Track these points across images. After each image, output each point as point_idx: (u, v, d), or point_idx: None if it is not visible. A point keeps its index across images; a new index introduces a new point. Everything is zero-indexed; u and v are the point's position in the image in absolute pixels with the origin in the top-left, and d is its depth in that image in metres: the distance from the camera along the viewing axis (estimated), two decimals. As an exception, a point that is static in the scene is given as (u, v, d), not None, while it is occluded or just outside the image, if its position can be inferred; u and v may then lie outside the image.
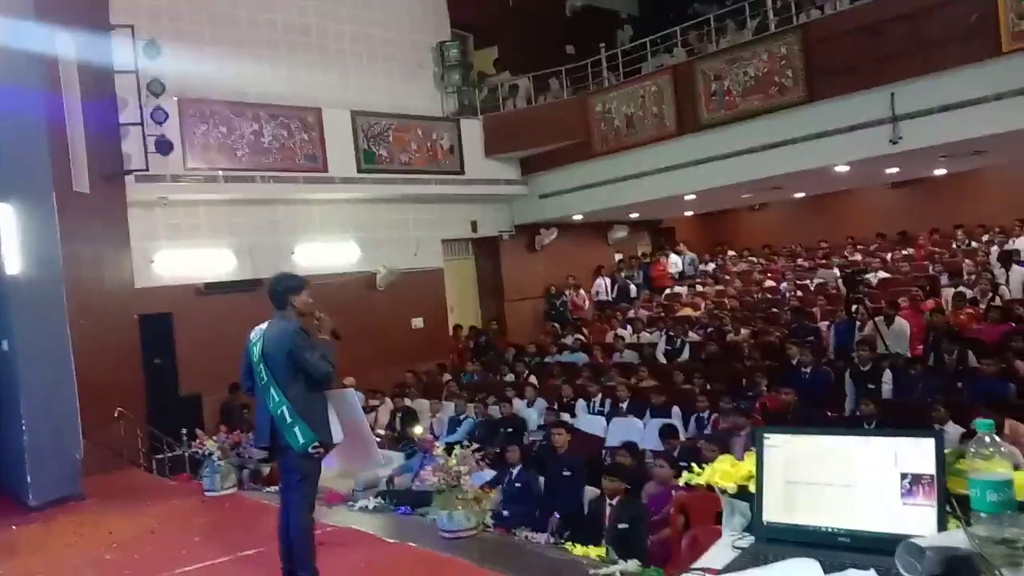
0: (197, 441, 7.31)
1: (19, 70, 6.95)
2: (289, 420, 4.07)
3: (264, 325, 4.30)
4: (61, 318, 7.17)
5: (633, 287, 15.60)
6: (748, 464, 1.89)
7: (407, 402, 10.46)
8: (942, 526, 1.54)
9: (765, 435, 1.81)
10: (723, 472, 1.93)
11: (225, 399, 10.23)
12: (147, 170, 9.80)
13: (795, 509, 1.72)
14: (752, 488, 1.82)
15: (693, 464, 2.12)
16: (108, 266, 9.34)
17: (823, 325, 10.37)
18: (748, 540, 1.77)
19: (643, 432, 8.04)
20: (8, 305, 6.90)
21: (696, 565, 1.71)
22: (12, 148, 6.89)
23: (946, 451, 1.63)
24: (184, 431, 8.64)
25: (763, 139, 11.16)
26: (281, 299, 4.28)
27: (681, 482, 2.12)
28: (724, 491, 1.91)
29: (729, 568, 1.63)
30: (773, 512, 1.74)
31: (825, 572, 1.50)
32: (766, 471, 1.77)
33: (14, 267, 6.84)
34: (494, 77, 14.66)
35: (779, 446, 1.78)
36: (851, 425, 6.95)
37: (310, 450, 4.10)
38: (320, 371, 4.16)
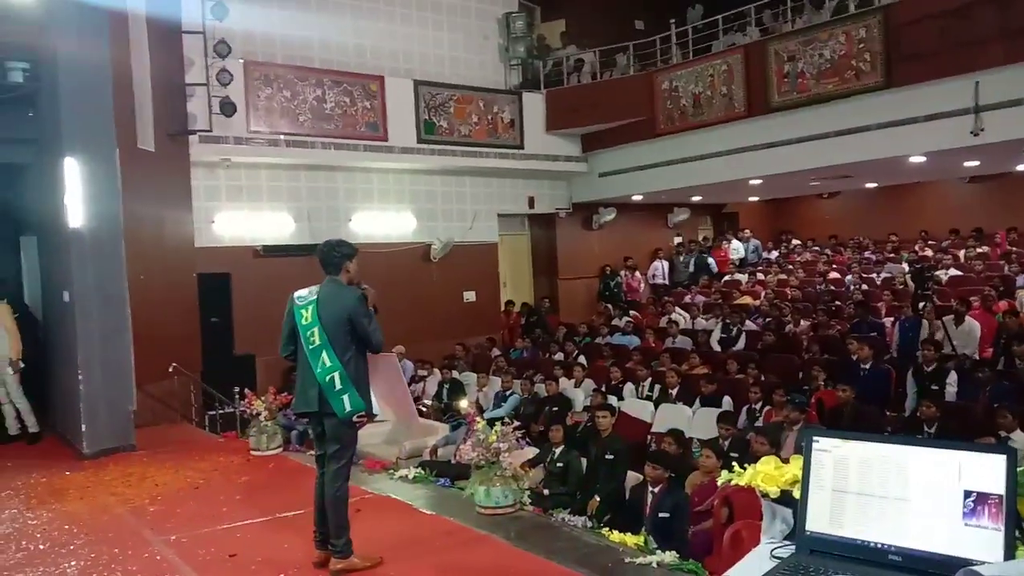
0: (246, 401, 7.40)
1: (88, 24, 7.05)
2: (339, 387, 4.01)
3: (310, 290, 4.22)
4: (121, 272, 7.30)
5: (691, 272, 15.30)
6: (794, 467, 1.75)
7: (455, 374, 10.47)
8: (1009, 553, 1.39)
9: (815, 437, 1.67)
10: (766, 474, 1.80)
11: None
12: (211, 131, 9.94)
13: (842, 520, 1.58)
14: (797, 494, 1.69)
15: (735, 464, 1.99)
16: (169, 224, 9.51)
17: (887, 321, 9.98)
18: (788, 550, 1.64)
19: (691, 420, 7.87)
20: (70, 257, 7.06)
21: (731, 574, 1.59)
22: (79, 102, 7.01)
23: (1019, 469, 1.47)
24: (236, 390, 8.79)
25: (836, 125, 10.73)
26: (337, 265, 4.22)
27: (720, 482, 1.98)
28: (766, 495, 1.78)
29: (766, 579, 1.51)
30: (818, 522, 1.61)
31: (871, 593, 1.36)
32: (813, 477, 1.64)
33: (77, 220, 6.98)
34: (560, 51, 14.41)
35: (829, 451, 1.64)
36: (910, 426, 6.67)
37: (354, 418, 4.07)
38: (378, 339, 4.14)
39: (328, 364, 4.02)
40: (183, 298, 9.47)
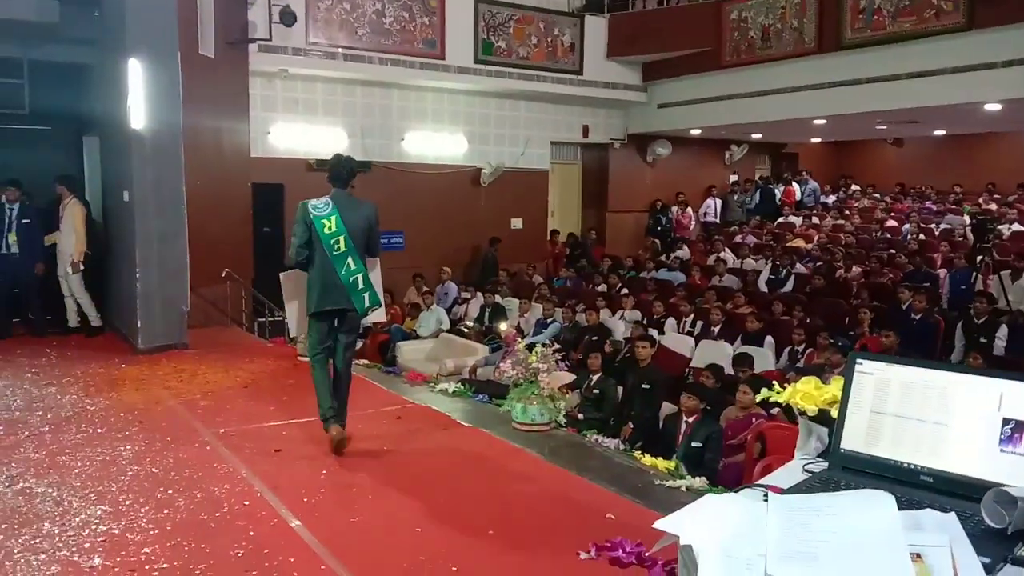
0: (286, 316, 7.58)
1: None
2: (362, 286, 4.55)
3: (324, 201, 4.58)
4: (179, 176, 7.45)
5: (754, 206, 15.04)
6: (834, 388, 1.77)
7: (497, 299, 10.56)
8: (1043, 480, 1.40)
9: (858, 360, 1.68)
10: (805, 393, 1.82)
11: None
12: (270, 40, 9.93)
13: (877, 441, 1.60)
14: (834, 413, 1.70)
15: (774, 383, 2.01)
16: (227, 132, 9.60)
17: (941, 273, 9.75)
18: (821, 466, 1.67)
19: (731, 357, 7.85)
20: (131, 158, 7.22)
21: (762, 481, 1.63)
22: (144, 4, 7.06)
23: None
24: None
25: (910, 66, 10.27)
26: (346, 178, 4.70)
27: (759, 399, 2.01)
28: (803, 412, 1.80)
29: (796, 489, 1.54)
30: (853, 441, 1.63)
31: (901, 509, 1.38)
32: (852, 397, 1.65)
33: (139, 122, 7.10)
34: (626, -27, 13.94)
35: (871, 373, 1.64)
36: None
37: (370, 311, 4.64)
38: (379, 246, 4.80)
39: (353, 267, 4.53)
40: (238, 206, 9.64)
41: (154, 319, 7.35)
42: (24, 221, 7.91)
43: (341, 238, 4.49)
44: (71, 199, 8.07)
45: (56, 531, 3.51)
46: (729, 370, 7.24)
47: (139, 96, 7.08)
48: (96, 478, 4.18)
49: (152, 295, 7.30)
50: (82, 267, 7.98)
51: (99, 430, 5.04)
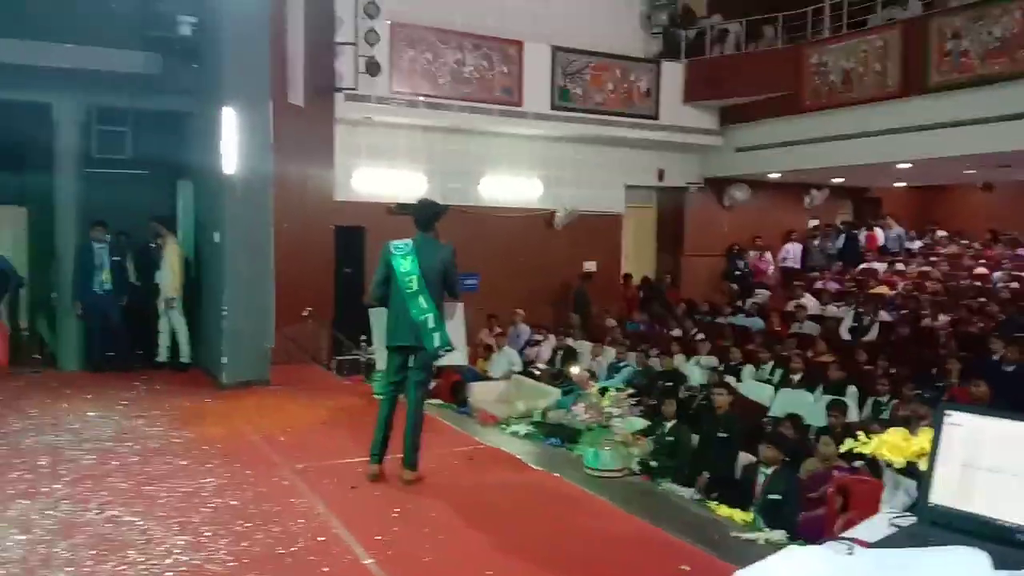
0: (372, 347, 7.75)
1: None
2: (432, 325, 4.69)
3: (406, 242, 4.82)
4: (268, 219, 7.78)
5: (837, 251, 14.67)
6: (923, 440, 1.71)
7: (569, 342, 10.53)
8: None
9: (947, 411, 1.62)
10: (892, 444, 1.76)
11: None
12: (356, 89, 10.32)
13: (970, 496, 1.54)
14: (922, 466, 1.65)
15: (859, 434, 1.95)
16: (313, 177, 9.98)
17: (1037, 322, 9.27)
18: (909, 520, 1.61)
19: (812, 407, 7.61)
20: (223, 201, 7.57)
21: (846, 535, 1.58)
22: (240, 55, 7.47)
23: None
24: (364, 337, 9.19)
25: (999, 109, 9.92)
26: (429, 222, 4.91)
27: (844, 448, 1.95)
28: (890, 464, 1.75)
29: (883, 543, 1.49)
30: (943, 495, 1.57)
31: (995, 568, 1.32)
32: (942, 449, 1.59)
33: (231, 167, 7.46)
34: (704, 19, 13.98)
35: (962, 424, 1.59)
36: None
37: (441, 352, 4.76)
38: (460, 287, 4.93)
39: (424, 307, 4.68)
40: (321, 248, 9.97)
41: (239, 356, 7.61)
42: (115, 259, 8.36)
43: (414, 278, 4.69)
44: (169, 238, 8.49)
45: (141, 559, 3.64)
46: (809, 420, 7.03)
47: (232, 142, 7.45)
48: (179, 509, 4.32)
49: (238, 332, 7.58)
50: (175, 304, 8.35)
51: (183, 462, 5.22)
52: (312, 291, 9.45)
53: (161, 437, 5.86)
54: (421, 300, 4.68)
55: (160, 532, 3.98)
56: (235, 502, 4.45)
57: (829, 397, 7.55)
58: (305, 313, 9.24)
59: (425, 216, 4.90)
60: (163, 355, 8.57)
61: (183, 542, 3.85)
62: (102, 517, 4.17)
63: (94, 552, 3.69)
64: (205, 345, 8.41)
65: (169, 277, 8.34)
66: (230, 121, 7.42)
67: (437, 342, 4.70)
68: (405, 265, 4.73)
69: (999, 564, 1.33)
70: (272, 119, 7.72)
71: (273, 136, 7.76)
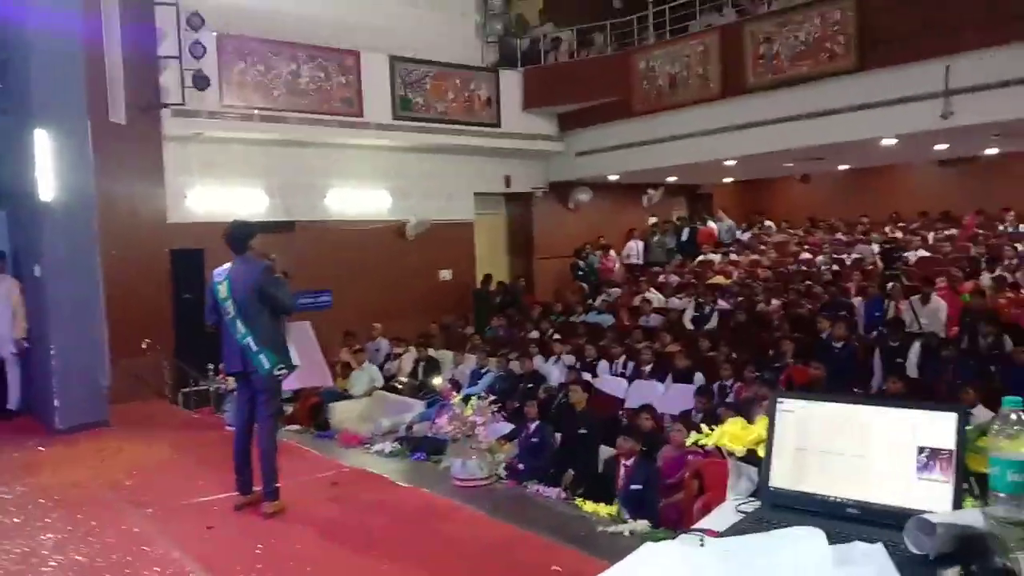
0: (220, 376, 7.40)
1: (60, -9, 6.93)
2: (255, 348, 4.59)
3: (225, 268, 4.75)
4: (92, 246, 7.23)
5: (679, 244, 15.47)
6: (759, 428, 1.82)
7: (431, 352, 10.50)
8: (958, 504, 1.47)
9: (779, 399, 1.74)
10: (732, 434, 1.87)
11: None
12: (183, 104, 9.83)
13: (804, 476, 1.65)
14: (761, 453, 1.76)
15: (703, 426, 2.06)
16: (142, 199, 9.42)
17: (856, 301, 10.16)
18: (753, 505, 1.71)
19: (663, 396, 7.99)
20: (41, 231, 6.98)
21: (697, 526, 1.66)
22: (49, 72, 6.90)
23: (968, 427, 1.55)
24: (210, 366, 8.76)
25: (809, 107, 10.84)
26: (240, 243, 4.76)
27: (689, 442, 2.06)
28: (732, 454, 1.85)
29: (730, 531, 1.57)
30: (781, 478, 1.68)
31: (830, 543, 1.43)
32: (777, 436, 1.70)
33: (48, 193, 6.89)
34: (537, 29, 14.37)
35: (793, 411, 1.70)
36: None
37: (275, 372, 4.64)
38: (286, 304, 4.74)
39: (243, 331, 4.61)
40: (156, 274, 9.43)
41: (72, 397, 7.03)
42: None
43: (229, 303, 4.63)
44: (3, 274, 7.74)
45: (-30, 635, 3.29)
46: (662, 409, 7.37)
47: (47, 166, 6.88)
48: (15, 573, 3.94)
49: (69, 372, 7.00)
50: (26, 344, 7.61)
51: (16, 520, 4.77)
52: (149, 320, 8.90)
53: (-14, 495, 5.32)
54: (239, 324, 4.61)
55: (-9, 602, 3.62)
56: (80, 557, 4.11)
57: (679, 385, 7.96)
58: (144, 345, 8.68)
59: (236, 238, 4.76)
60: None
61: (20, 610, 3.51)
62: (-82, 594, 3.75)
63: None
64: (34, 388, 7.71)
65: (9, 317, 7.59)
66: (44, 143, 6.85)
67: (267, 364, 4.59)
68: (223, 291, 4.67)
69: (833, 538, 1.44)
70: (91, 139, 7.20)
71: (95, 158, 7.24)
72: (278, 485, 4.68)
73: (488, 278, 13.79)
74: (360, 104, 11.72)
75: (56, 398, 6.97)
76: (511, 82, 13.49)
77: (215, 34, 10.30)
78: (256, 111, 10.77)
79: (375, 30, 12.25)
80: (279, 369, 4.65)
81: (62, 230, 7.00)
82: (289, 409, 9.08)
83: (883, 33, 10.01)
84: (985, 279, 9.89)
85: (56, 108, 6.92)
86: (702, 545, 1.42)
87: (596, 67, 13.59)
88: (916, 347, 7.68)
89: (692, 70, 12.15)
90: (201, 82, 9.77)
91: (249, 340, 4.58)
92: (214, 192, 10.98)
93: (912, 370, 7.55)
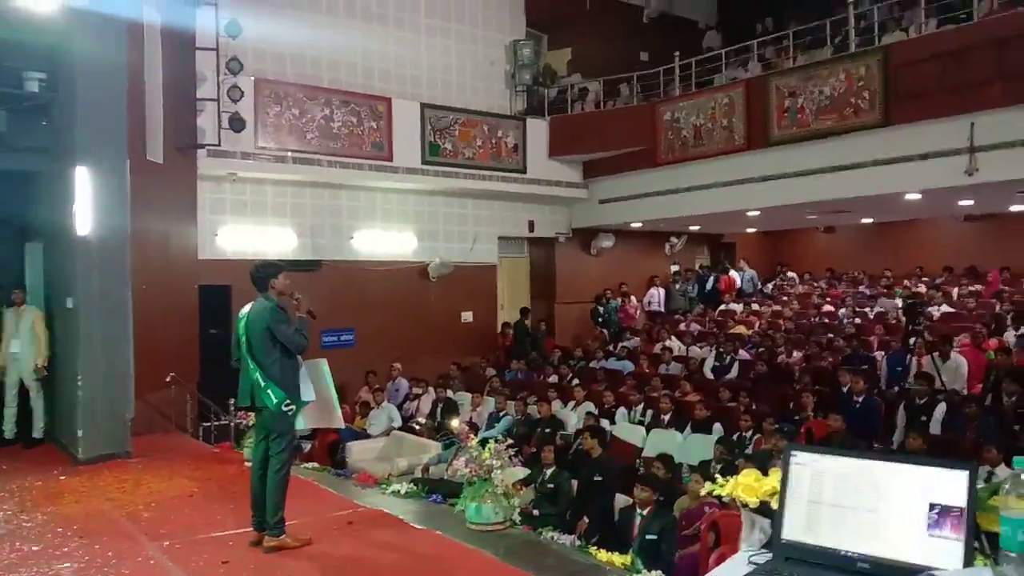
0: (242, 412, 7.47)
1: (106, 35, 7.21)
2: (263, 384, 4.70)
3: (248, 307, 4.93)
4: (124, 282, 7.41)
5: (699, 293, 15.47)
6: (773, 480, 1.86)
7: (449, 393, 10.53)
8: (968, 562, 1.49)
9: (792, 452, 1.78)
10: (746, 486, 1.90)
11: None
12: (219, 145, 10.09)
13: (817, 530, 1.68)
14: (775, 505, 1.79)
15: (718, 477, 2.09)
16: (174, 236, 9.61)
17: (878, 355, 10.09)
18: (765, 557, 1.74)
19: (682, 446, 7.94)
20: (76, 264, 7.16)
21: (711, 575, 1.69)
22: (94, 112, 7.15)
23: (980, 486, 1.57)
24: (231, 401, 8.83)
25: (834, 160, 10.89)
26: (262, 283, 4.89)
27: (703, 492, 2.08)
28: (745, 505, 1.88)
29: (741, 582, 1.60)
30: (793, 531, 1.71)
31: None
32: (790, 489, 1.74)
33: (85, 228, 7.09)
34: (565, 79, 14.64)
35: (806, 464, 1.74)
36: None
37: (283, 408, 4.71)
38: (294, 342, 4.77)
39: (251, 366, 4.76)
40: (184, 309, 9.55)
41: (96, 428, 7.15)
42: None
43: (243, 340, 4.80)
44: (25, 305, 7.93)
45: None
46: (681, 458, 7.32)
47: (86, 203, 7.09)
48: (33, 601, 3.99)
49: (94, 403, 7.12)
50: (46, 372, 7.79)
51: (35, 548, 4.84)
52: (175, 354, 9.01)
53: (8, 521, 5.41)
54: (249, 361, 4.77)
55: (9, 629, 3.66)
56: (96, 588, 4.16)
57: (697, 436, 7.91)
58: (168, 379, 8.78)
59: (257, 278, 4.92)
60: (9, 430, 7.92)
61: (37, 638, 3.56)
62: (-60, 618, 3.80)
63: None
64: (59, 418, 7.84)
65: (32, 345, 7.77)
66: (84, 181, 7.07)
67: (274, 399, 4.69)
68: (240, 328, 4.86)
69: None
70: (129, 177, 7.41)
71: (131, 195, 7.44)
72: (284, 520, 4.73)
73: (525, 311, 13.98)
74: (390, 148, 11.96)
75: (80, 428, 7.07)
76: (538, 130, 13.71)
77: (253, 78, 10.62)
78: (289, 153, 11.03)
79: (407, 77, 12.63)
80: (286, 405, 4.73)
81: (96, 264, 7.18)
82: (307, 447, 9.13)
83: (908, 89, 10.08)
84: (1010, 336, 9.79)
85: (98, 147, 7.16)
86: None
87: (622, 117, 13.78)
88: (942, 406, 7.59)
89: (717, 122, 12.29)
90: (237, 124, 10.03)
91: (258, 376, 4.71)
92: (244, 230, 11.21)
93: (935, 427, 7.45)
